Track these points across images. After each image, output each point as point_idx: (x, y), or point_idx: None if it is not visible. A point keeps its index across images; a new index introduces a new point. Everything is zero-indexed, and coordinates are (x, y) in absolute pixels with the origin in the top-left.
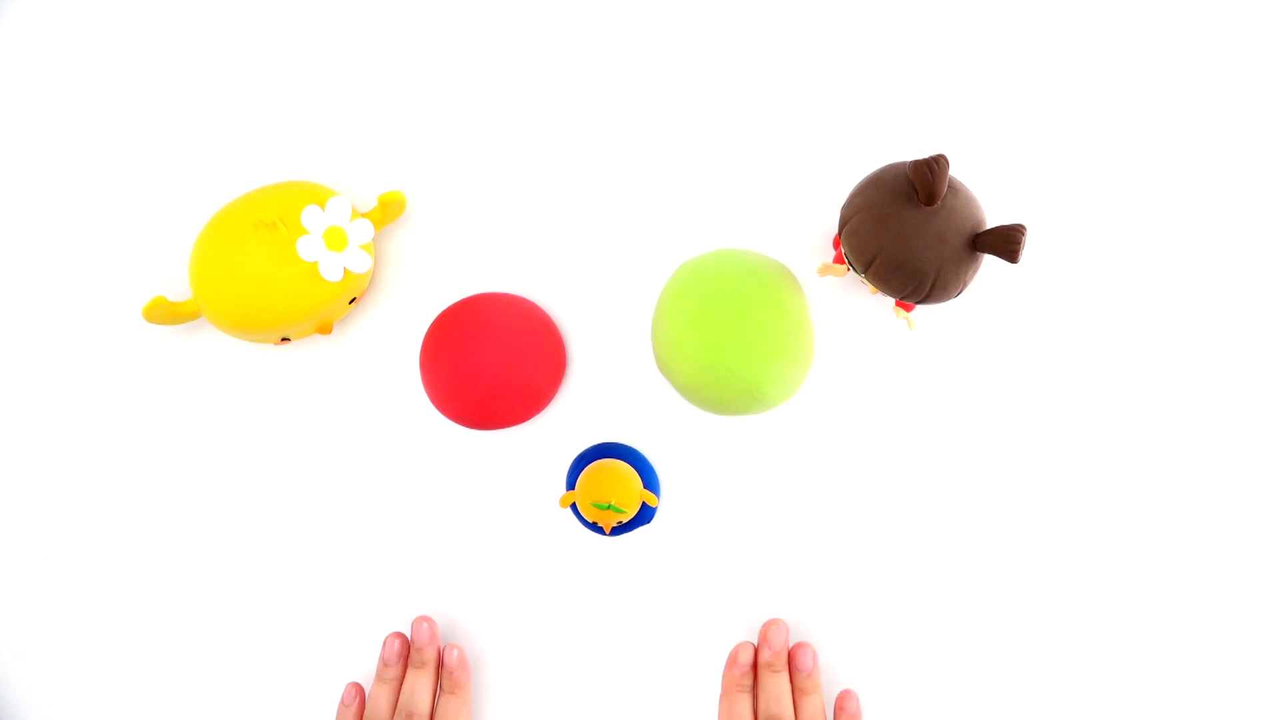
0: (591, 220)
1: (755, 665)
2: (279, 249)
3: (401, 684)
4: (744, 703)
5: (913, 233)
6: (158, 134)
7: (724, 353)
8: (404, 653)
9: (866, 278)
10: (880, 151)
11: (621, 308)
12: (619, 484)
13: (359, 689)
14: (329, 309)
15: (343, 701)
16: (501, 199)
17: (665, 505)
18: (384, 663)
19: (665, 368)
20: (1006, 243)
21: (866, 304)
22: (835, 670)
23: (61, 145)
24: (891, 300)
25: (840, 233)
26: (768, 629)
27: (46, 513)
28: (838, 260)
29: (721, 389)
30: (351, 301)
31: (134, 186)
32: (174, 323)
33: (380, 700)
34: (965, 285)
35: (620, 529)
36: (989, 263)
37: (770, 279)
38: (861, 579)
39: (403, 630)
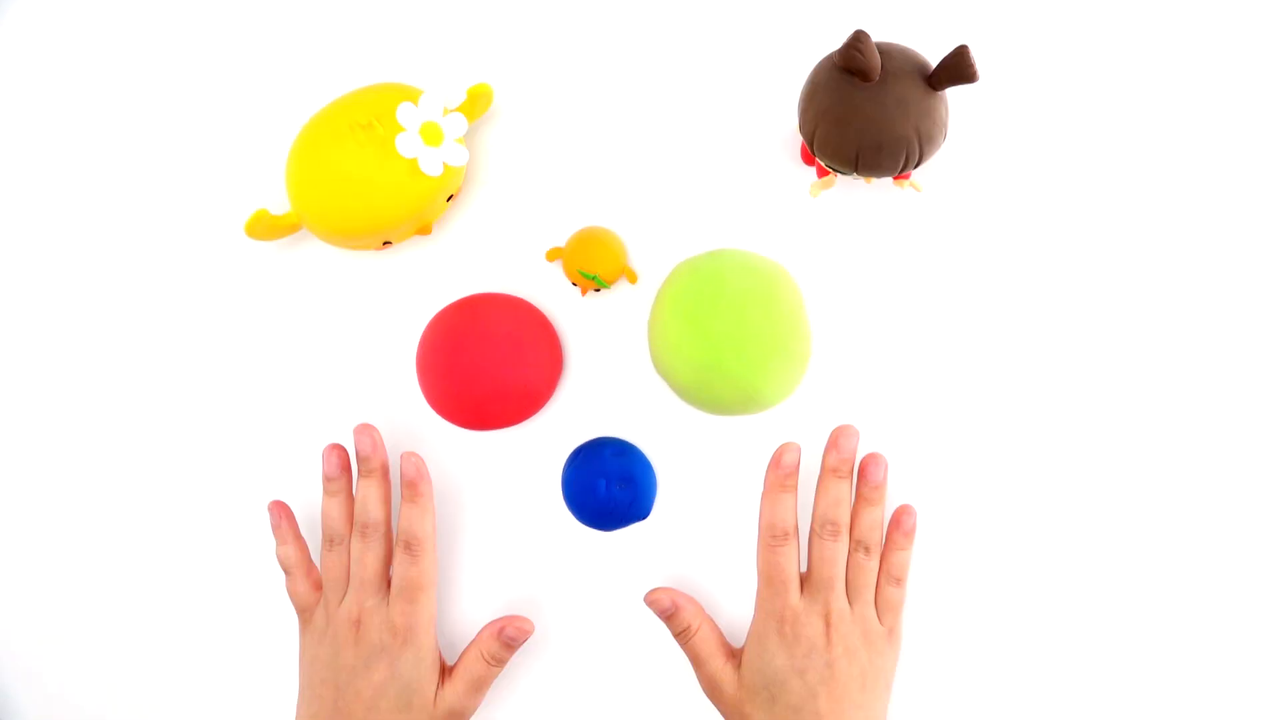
0: (587, 221)
1: (824, 467)
2: (377, 149)
3: (351, 494)
4: (787, 500)
5: (875, 112)
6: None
7: (720, 353)
8: (346, 465)
9: (859, 173)
10: None
11: (618, 308)
12: (606, 256)
13: (283, 507)
14: (429, 207)
15: (273, 524)
16: (497, 200)
17: (662, 505)
18: (327, 477)
19: (662, 368)
20: (960, 70)
21: (860, 292)
22: None
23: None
24: (888, 180)
25: (813, 149)
26: (837, 435)
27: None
28: (822, 174)
29: (718, 389)
30: (449, 199)
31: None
32: (276, 236)
33: (333, 514)
34: (946, 127)
35: (615, 520)
36: (985, 262)
37: (766, 279)
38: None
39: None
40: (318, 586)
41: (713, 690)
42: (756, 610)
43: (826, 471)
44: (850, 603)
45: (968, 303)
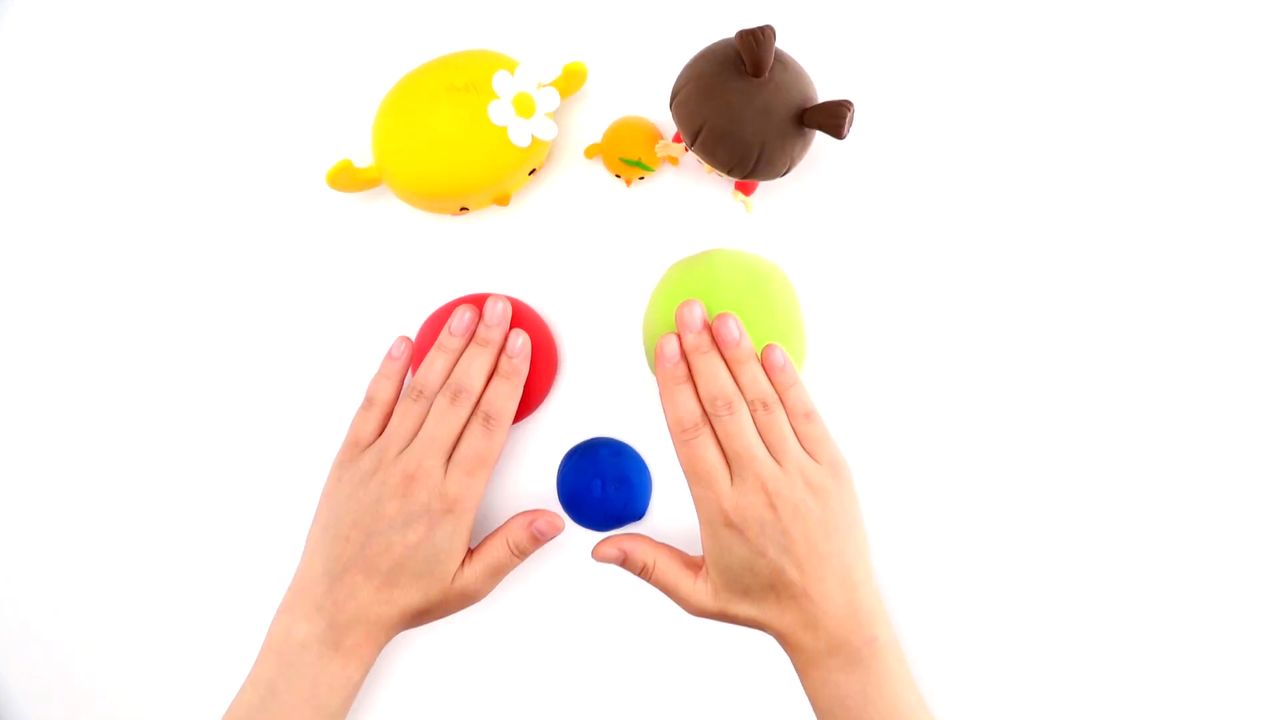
0: (583, 221)
1: (683, 354)
2: (468, 114)
3: (459, 358)
4: (684, 391)
5: (739, 104)
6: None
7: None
8: (473, 329)
9: (695, 150)
10: (873, 151)
11: (613, 308)
12: (644, 140)
13: (409, 343)
14: (512, 177)
15: (390, 354)
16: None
17: (657, 505)
18: (450, 332)
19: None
20: (832, 118)
21: (855, 291)
22: None
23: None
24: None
25: (672, 104)
26: (680, 311)
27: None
28: (676, 139)
29: None
30: (531, 172)
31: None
32: (356, 189)
33: (435, 367)
34: (793, 162)
35: (610, 520)
36: (980, 262)
37: (761, 278)
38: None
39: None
40: (380, 433)
41: (697, 610)
42: (698, 511)
43: (691, 351)
44: (779, 461)
45: (962, 302)
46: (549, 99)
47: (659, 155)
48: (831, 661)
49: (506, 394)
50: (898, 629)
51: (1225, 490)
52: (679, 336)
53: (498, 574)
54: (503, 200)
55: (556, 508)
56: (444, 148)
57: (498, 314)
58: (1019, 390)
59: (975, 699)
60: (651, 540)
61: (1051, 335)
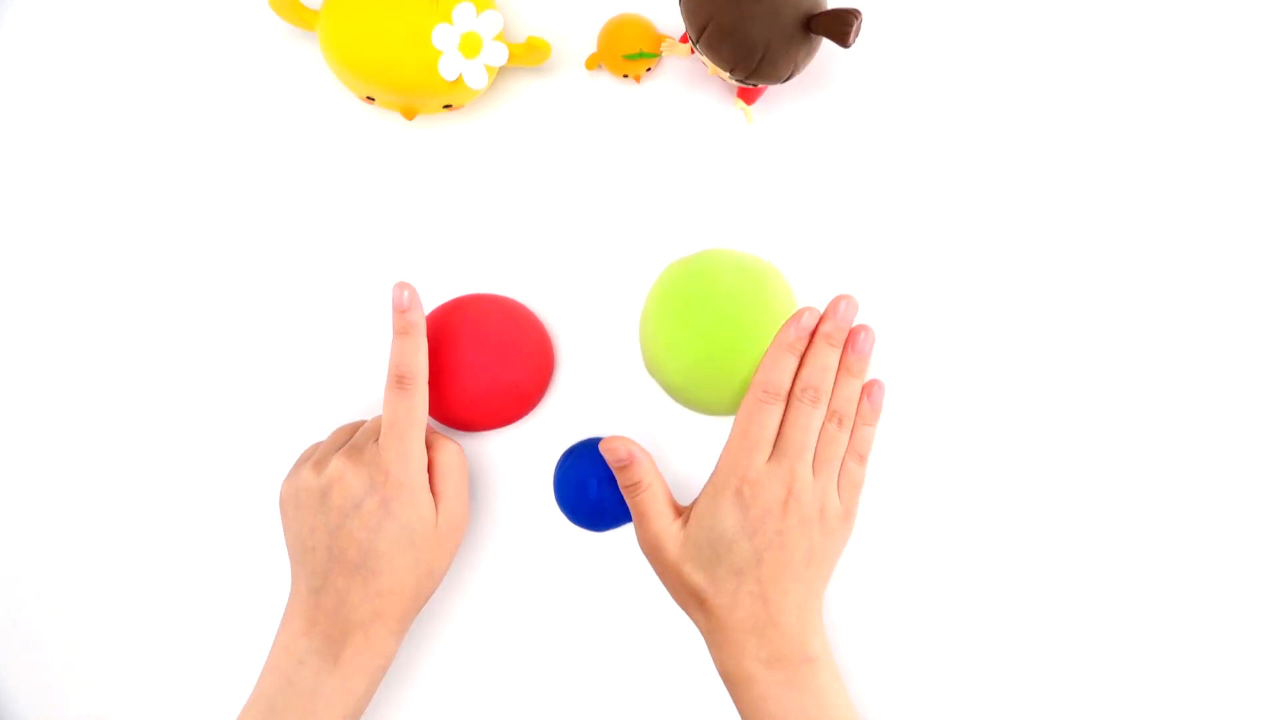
0: (579, 221)
1: (813, 334)
2: (418, 22)
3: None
4: (790, 362)
5: (748, 2)
6: None
7: (713, 353)
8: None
9: (699, 47)
10: (869, 151)
11: (609, 309)
12: (641, 31)
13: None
14: (422, 98)
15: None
16: (489, 200)
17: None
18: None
19: (654, 368)
20: (839, 25)
21: (851, 291)
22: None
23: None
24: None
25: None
26: (838, 301)
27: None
28: (683, 40)
29: (710, 389)
30: (446, 107)
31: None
32: (292, 22)
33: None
34: (796, 68)
35: (606, 520)
36: (977, 260)
37: (757, 279)
38: (851, 575)
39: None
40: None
41: (653, 549)
42: (720, 465)
43: (819, 337)
44: (815, 474)
45: (959, 300)
46: (496, 53)
47: (664, 53)
48: (770, 676)
49: (410, 351)
50: (893, 622)
51: (1225, 490)
52: (820, 316)
53: (462, 480)
54: (408, 113)
55: (553, 508)
56: (379, 36)
57: (404, 300)
58: (1016, 387)
59: (966, 703)
60: (656, 468)
61: (1049, 336)
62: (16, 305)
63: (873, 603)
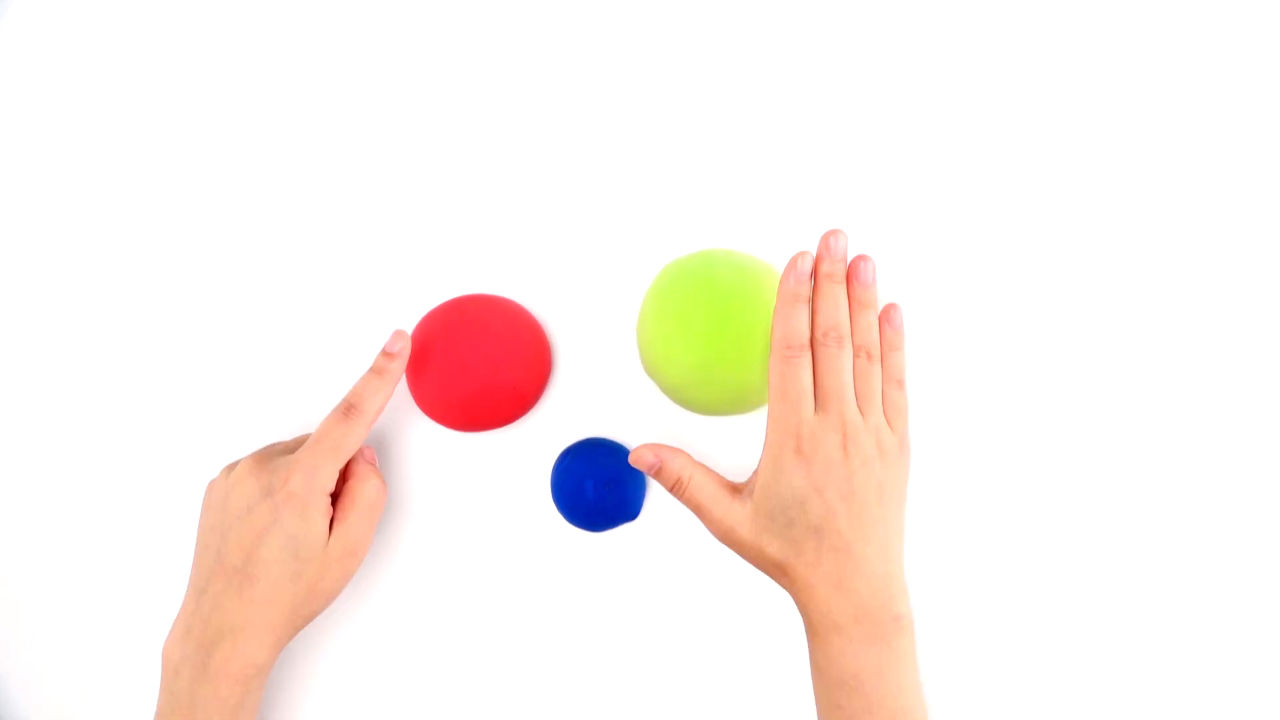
0: (576, 222)
1: (814, 275)
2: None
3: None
4: (802, 311)
5: None
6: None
7: (710, 353)
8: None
9: None
10: (866, 150)
11: (607, 309)
12: None
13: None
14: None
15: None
16: (486, 201)
17: (651, 505)
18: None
19: (651, 369)
20: None
21: None
22: None
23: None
24: None
25: None
26: (828, 238)
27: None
28: None
29: (708, 389)
30: None
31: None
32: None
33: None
34: None
35: (604, 521)
36: (977, 259)
37: (755, 279)
38: None
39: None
40: None
41: (726, 534)
42: (770, 430)
43: (822, 278)
44: (861, 413)
45: (958, 299)
46: None
47: None
48: (854, 630)
49: (374, 389)
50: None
51: (1230, 488)
52: (815, 257)
53: (369, 513)
54: None
55: (550, 509)
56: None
57: (395, 347)
58: (1013, 386)
59: (975, 698)
60: (689, 455)
61: (1051, 337)
62: (16, 305)
63: None
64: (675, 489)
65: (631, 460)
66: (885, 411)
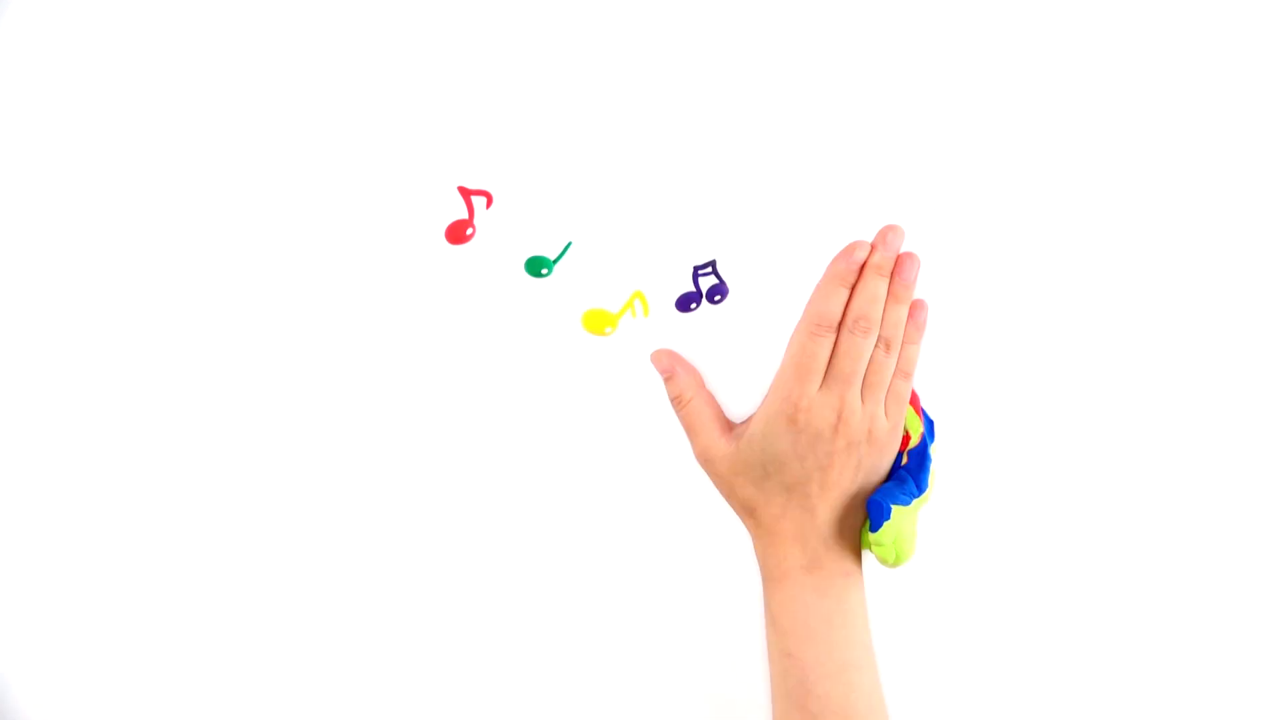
0: (576, 222)
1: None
2: None
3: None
4: (841, 294)
5: None
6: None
7: None
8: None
9: None
10: (872, 153)
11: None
12: None
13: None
14: None
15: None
16: (487, 200)
17: (654, 505)
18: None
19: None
20: None
21: None
22: None
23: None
24: None
25: None
26: (886, 232)
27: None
28: None
29: None
30: None
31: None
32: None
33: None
34: None
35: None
36: (978, 258)
37: None
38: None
39: None
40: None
41: (707, 463)
42: (772, 392)
43: (869, 268)
44: (863, 399)
45: (959, 299)
46: None
47: None
48: (807, 579)
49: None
50: (890, 620)
51: (1231, 488)
52: (870, 248)
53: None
54: None
55: (549, 509)
56: None
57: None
58: (1011, 386)
59: (975, 698)
60: (701, 378)
61: (1055, 337)
62: (16, 305)
63: (876, 602)
64: (676, 402)
65: (651, 359)
66: (886, 398)
